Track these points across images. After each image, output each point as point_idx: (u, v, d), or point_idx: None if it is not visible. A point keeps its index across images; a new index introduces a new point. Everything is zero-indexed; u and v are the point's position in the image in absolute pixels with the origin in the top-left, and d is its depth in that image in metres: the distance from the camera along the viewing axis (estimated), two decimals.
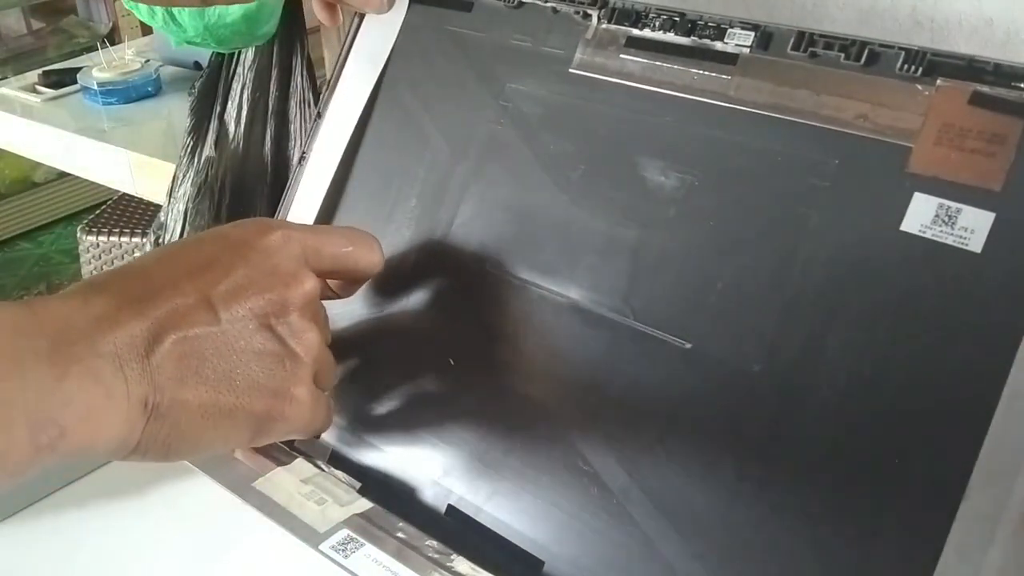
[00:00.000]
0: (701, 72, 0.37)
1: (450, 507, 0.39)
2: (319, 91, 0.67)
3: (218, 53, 0.71)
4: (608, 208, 0.38)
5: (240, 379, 0.32)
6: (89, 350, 0.29)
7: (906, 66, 0.32)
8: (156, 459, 0.32)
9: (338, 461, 0.42)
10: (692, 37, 0.37)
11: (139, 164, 0.94)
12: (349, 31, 0.46)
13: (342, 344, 0.44)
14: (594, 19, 0.40)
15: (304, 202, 0.46)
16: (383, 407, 0.42)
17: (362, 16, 0.46)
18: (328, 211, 0.46)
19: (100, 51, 1.10)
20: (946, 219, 0.30)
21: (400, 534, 0.37)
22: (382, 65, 0.45)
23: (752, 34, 0.35)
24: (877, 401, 0.31)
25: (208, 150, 0.77)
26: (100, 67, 1.07)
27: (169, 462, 0.33)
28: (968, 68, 0.31)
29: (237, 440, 0.33)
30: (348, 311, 0.43)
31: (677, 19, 0.37)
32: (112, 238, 1.40)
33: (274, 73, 0.69)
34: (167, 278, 0.32)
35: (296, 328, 0.34)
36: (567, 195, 0.39)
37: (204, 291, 0.32)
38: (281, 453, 0.42)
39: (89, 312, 0.30)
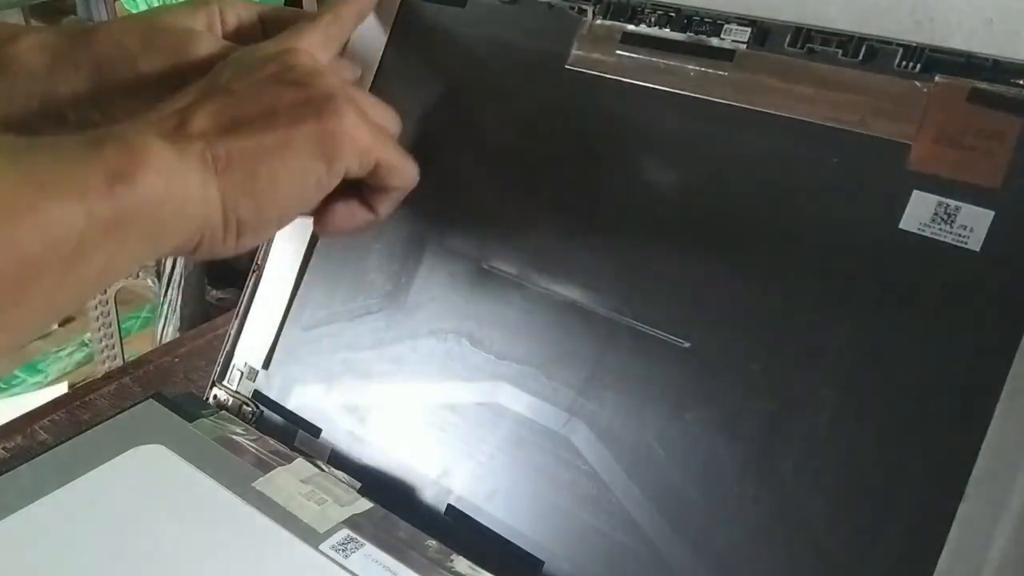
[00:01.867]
0: (697, 68, 0.36)
1: (450, 507, 0.39)
2: None
3: None
4: (604, 206, 0.38)
5: (280, 111, 0.33)
6: (127, 131, 0.30)
7: (904, 63, 0.32)
8: (252, 216, 0.32)
9: (338, 461, 0.42)
10: (688, 33, 0.37)
11: None
12: None
13: (340, 342, 0.44)
14: (589, 15, 0.39)
15: None
16: (383, 407, 0.42)
17: None
18: None
19: None
20: (945, 217, 0.30)
21: (400, 534, 0.37)
22: (376, 63, 0.45)
23: (748, 30, 0.35)
24: (876, 400, 0.31)
25: None
26: None
27: (269, 224, 0.33)
28: (967, 65, 0.31)
29: (314, 168, 0.33)
30: (348, 312, 0.43)
31: (673, 15, 0.37)
32: None
33: None
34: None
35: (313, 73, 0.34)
36: (564, 193, 0.39)
37: (211, 83, 0.34)
38: (281, 454, 0.42)
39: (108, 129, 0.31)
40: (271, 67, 0.34)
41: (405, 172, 0.36)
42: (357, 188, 0.36)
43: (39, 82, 0.39)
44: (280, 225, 0.34)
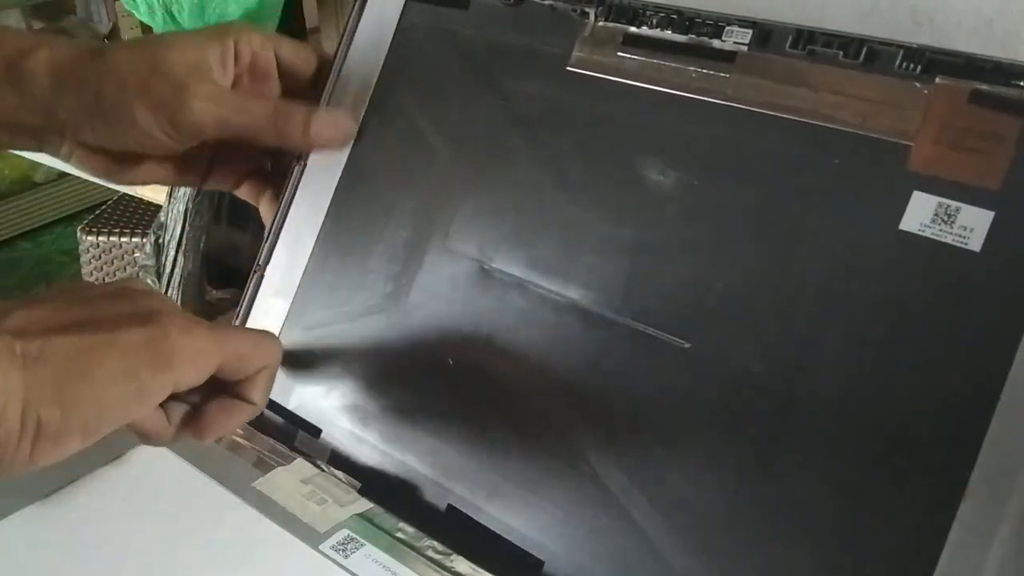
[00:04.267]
0: (699, 70, 0.36)
1: (450, 507, 0.39)
2: None
3: None
4: (606, 207, 0.38)
5: (102, 315, 0.31)
6: None
7: (905, 64, 0.32)
8: (55, 418, 0.29)
9: (338, 461, 0.42)
10: (690, 35, 0.37)
11: None
12: (345, 31, 0.46)
13: (340, 342, 0.44)
14: (591, 17, 0.39)
15: (305, 201, 0.46)
16: (383, 407, 0.42)
17: (360, 12, 0.46)
18: (328, 210, 0.46)
19: None
20: (945, 218, 0.30)
21: (400, 534, 0.37)
22: (380, 64, 0.45)
23: (750, 32, 0.35)
24: (876, 400, 0.31)
25: None
26: None
27: (73, 433, 0.30)
28: (967, 66, 0.31)
29: (136, 374, 0.30)
30: (349, 312, 0.43)
31: (675, 17, 0.37)
32: (112, 238, 1.41)
33: None
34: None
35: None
36: (565, 194, 0.39)
37: (40, 296, 0.32)
38: (281, 454, 0.42)
39: None
40: (104, 288, 0.33)
41: (262, 352, 0.35)
42: (223, 385, 0.35)
43: (45, 98, 0.40)
44: (87, 438, 0.30)
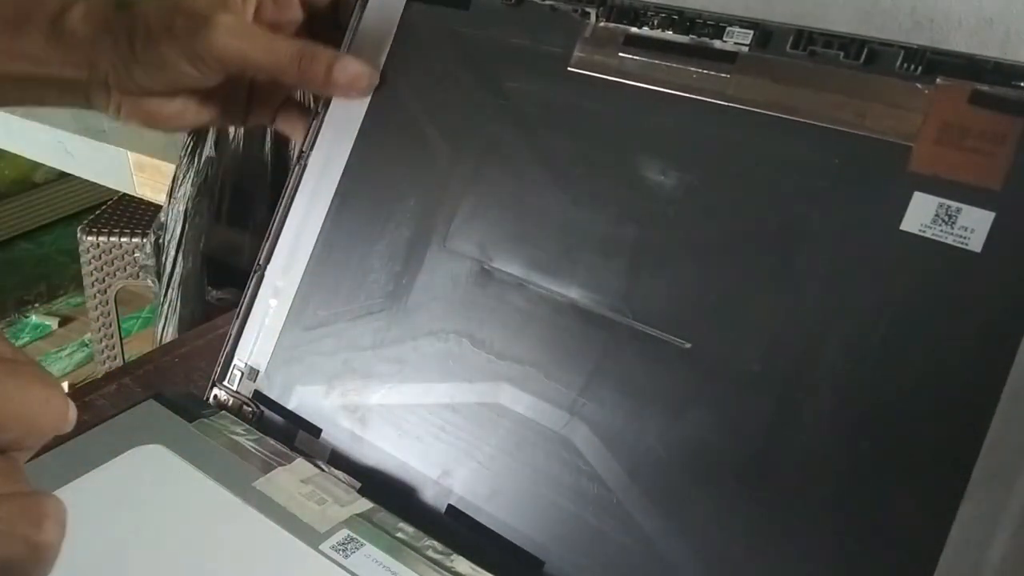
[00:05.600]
0: (700, 71, 0.36)
1: (450, 507, 0.39)
2: None
3: None
4: (607, 207, 0.38)
5: None
6: None
7: (906, 65, 0.32)
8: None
9: (338, 461, 0.42)
10: (691, 35, 0.37)
11: (139, 164, 0.95)
12: (346, 30, 0.46)
13: (341, 342, 0.44)
14: (592, 17, 0.40)
15: (306, 201, 0.46)
16: (383, 407, 0.42)
17: (361, 12, 0.46)
18: (328, 210, 0.46)
19: None
20: (946, 218, 0.30)
21: (400, 534, 0.37)
22: (381, 64, 0.45)
23: (751, 32, 0.35)
24: (877, 401, 0.31)
25: (208, 150, 0.77)
26: None
27: None
28: (968, 67, 0.31)
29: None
30: (349, 312, 0.43)
31: (676, 17, 0.37)
32: (112, 238, 1.41)
33: None
34: None
35: None
36: (566, 194, 0.39)
37: None
38: (281, 454, 0.42)
39: None
40: None
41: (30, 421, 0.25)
42: None
43: (86, 51, 0.41)
44: None
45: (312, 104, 0.47)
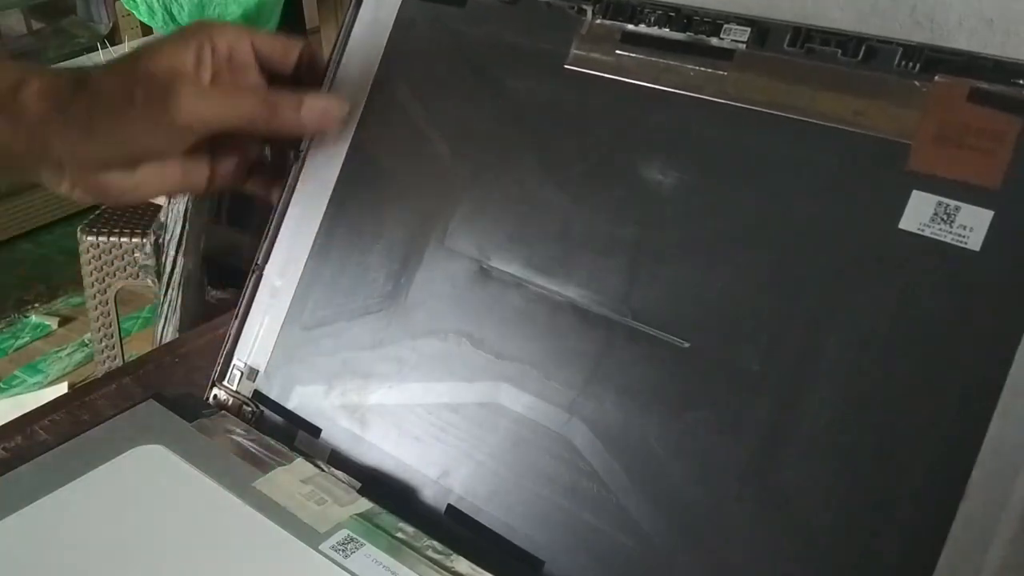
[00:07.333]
0: (697, 68, 0.36)
1: (450, 507, 0.39)
2: None
3: None
4: (604, 205, 0.38)
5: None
6: None
7: (904, 62, 0.32)
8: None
9: (338, 461, 0.42)
10: (688, 33, 0.37)
11: None
12: (342, 29, 0.46)
13: (340, 342, 0.44)
14: (589, 14, 0.39)
15: (303, 201, 0.46)
16: (383, 407, 0.42)
17: (356, 10, 0.46)
18: (326, 209, 0.46)
19: (100, 51, 1.10)
20: (945, 217, 0.30)
21: (400, 534, 0.37)
22: (377, 63, 0.45)
23: (748, 30, 0.35)
24: (876, 400, 0.31)
25: None
26: None
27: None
28: (967, 65, 0.31)
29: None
30: (348, 312, 0.43)
31: (672, 14, 0.37)
32: (112, 238, 1.41)
33: None
34: None
35: None
36: (563, 193, 0.39)
37: None
38: (281, 454, 0.42)
39: None
40: None
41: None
42: None
43: (39, 129, 0.40)
44: None
45: (289, 161, 0.47)
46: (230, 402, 0.47)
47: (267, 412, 0.45)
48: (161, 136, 0.40)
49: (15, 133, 0.40)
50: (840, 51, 0.33)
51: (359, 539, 0.36)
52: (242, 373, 0.47)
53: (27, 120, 0.40)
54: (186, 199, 0.74)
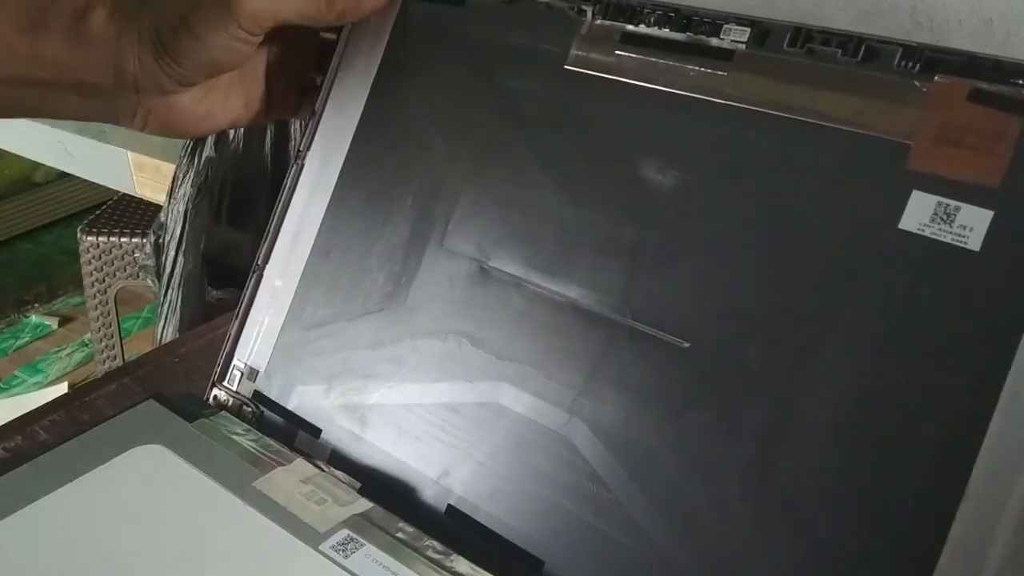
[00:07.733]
0: (697, 68, 0.36)
1: (450, 507, 0.39)
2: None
3: None
4: (604, 206, 0.38)
5: None
6: None
7: (904, 62, 0.32)
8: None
9: (338, 461, 0.42)
10: (687, 33, 0.37)
11: (139, 164, 0.95)
12: (343, 29, 0.46)
13: (340, 342, 0.44)
14: (588, 15, 0.39)
15: (303, 201, 0.46)
16: (383, 407, 0.42)
17: None
18: (326, 210, 0.46)
19: None
20: (944, 217, 0.30)
21: (400, 534, 0.37)
22: (377, 63, 0.45)
23: (748, 30, 0.35)
24: (876, 400, 0.31)
25: (208, 150, 0.77)
26: None
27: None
28: (967, 64, 0.31)
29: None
30: (348, 312, 0.43)
31: (672, 15, 0.37)
32: (112, 238, 1.41)
33: None
34: None
35: None
36: (563, 193, 0.39)
37: None
38: (281, 454, 0.42)
39: None
40: None
41: None
42: None
43: (111, 53, 0.39)
44: None
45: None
46: (230, 402, 0.47)
47: (267, 412, 0.45)
48: (233, 34, 0.39)
49: (88, 59, 0.39)
50: (840, 51, 0.33)
51: (359, 539, 0.37)
52: (242, 373, 0.47)
53: (99, 45, 0.39)
54: (186, 199, 0.74)
